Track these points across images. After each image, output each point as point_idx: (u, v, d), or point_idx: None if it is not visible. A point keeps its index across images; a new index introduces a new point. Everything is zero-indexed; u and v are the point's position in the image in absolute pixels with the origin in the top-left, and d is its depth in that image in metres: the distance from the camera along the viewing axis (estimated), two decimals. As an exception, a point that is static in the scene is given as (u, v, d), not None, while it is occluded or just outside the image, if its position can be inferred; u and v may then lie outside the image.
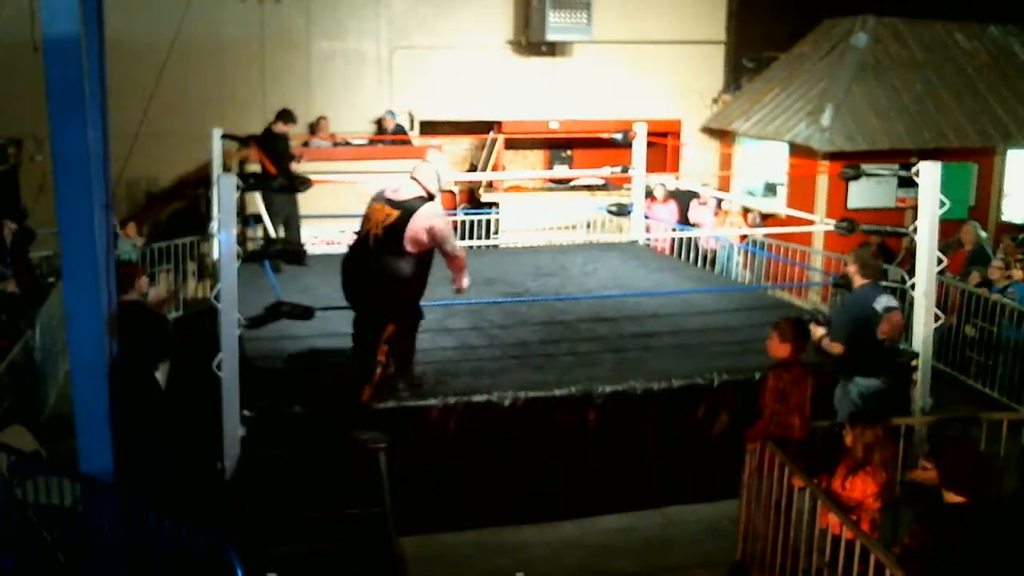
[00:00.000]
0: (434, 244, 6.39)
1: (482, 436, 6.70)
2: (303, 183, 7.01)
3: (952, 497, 4.44)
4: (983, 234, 11.55)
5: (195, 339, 8.63)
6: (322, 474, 6.13)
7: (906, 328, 7.32)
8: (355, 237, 6.59)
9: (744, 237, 12.28)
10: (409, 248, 6.27)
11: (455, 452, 6.66)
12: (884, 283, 9.13)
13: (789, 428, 5.85)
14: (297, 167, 10.63)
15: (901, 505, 5.91)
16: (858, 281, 6.91)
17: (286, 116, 10.82)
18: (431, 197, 6.42)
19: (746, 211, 13.17)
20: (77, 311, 5.45)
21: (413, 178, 6.45)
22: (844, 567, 4.71)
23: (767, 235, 12.00)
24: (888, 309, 6.65)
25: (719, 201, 13.04)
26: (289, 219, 10.69)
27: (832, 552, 4.84)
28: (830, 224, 9.32)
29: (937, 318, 7.55)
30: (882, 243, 11.39)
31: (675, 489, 7.07)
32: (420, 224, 6.24)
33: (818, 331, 6.82)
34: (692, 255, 12.06)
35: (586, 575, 6.33)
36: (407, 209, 6.27)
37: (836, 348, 6.68)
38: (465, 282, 6.87)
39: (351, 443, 6.20)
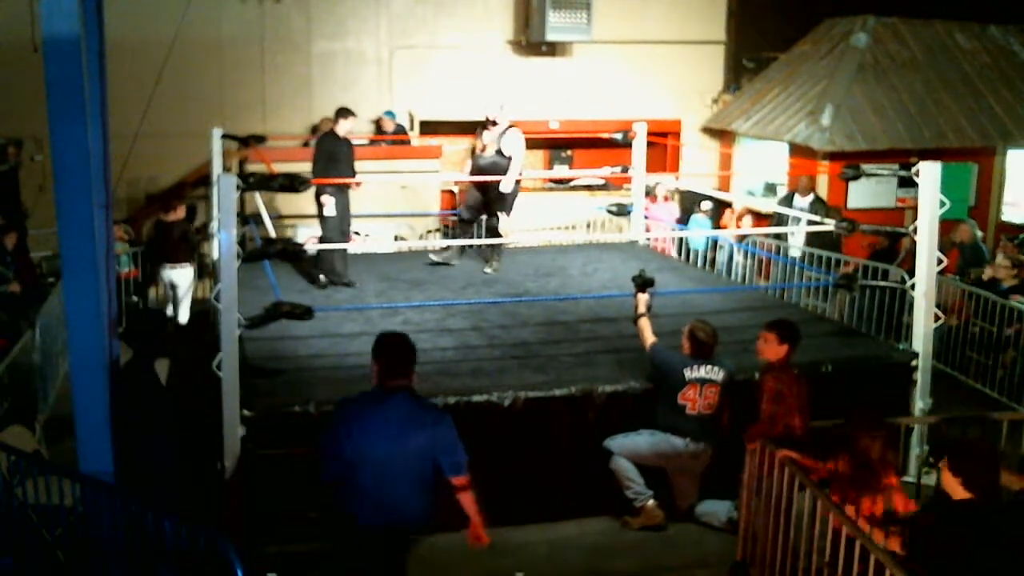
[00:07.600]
0: None
1: (482, 436, 6.68)
2: (302, 183, 7.00)
3: (961, 493, 4.37)
4: (979, 232, 11.56)
5: (195, 339, 8.62)
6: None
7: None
8: None
9: (744, 237, 12.27)
10: None
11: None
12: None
13: (790, 429, 5.86)
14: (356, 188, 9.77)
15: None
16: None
17: (345, 112, 9.60)
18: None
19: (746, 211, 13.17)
20: (77, 311, 5.44)
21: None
22: (844, 567, 4.70)
23: (767, 235, 11.99)
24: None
25: (720, 202, 13.03)
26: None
27: (832, 552, 4.83)
28: (830, 224, 9.32)
29: (937, 318, 7.54)
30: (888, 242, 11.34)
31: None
32: None
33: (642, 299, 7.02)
34: (691, 255, 12.08)
35: (586, 575, 6.33)
36: None
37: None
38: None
39: None
